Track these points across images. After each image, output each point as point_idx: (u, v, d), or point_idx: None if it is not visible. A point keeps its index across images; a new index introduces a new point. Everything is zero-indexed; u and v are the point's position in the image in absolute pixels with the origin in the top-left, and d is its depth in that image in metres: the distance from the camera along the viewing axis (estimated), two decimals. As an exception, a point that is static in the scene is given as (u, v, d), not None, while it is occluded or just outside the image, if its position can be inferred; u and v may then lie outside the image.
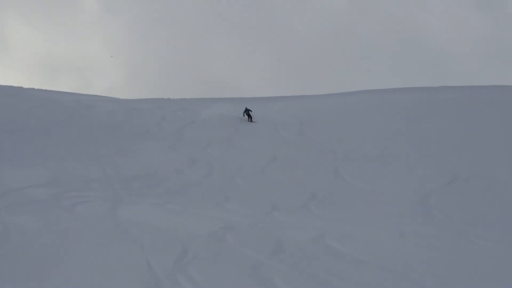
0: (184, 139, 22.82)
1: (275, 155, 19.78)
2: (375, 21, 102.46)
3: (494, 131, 21.61)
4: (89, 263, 8.73)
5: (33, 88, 33.77)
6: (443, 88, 31.86)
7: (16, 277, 8.20)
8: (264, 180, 16.60)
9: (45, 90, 34.26)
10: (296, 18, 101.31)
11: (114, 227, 10.83)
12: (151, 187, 15.22)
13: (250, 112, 26.97)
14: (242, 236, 10.46)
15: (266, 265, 8.86)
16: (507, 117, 23.40)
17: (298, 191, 15.03)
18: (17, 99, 28.00)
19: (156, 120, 26.43)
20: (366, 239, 10.54)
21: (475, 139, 20.68)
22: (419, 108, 26.73)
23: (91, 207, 12.38)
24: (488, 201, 13.71)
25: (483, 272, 8.82)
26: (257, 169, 17.88)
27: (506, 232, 11.23)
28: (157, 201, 13.42)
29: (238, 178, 16.63)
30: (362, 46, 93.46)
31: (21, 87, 32.87)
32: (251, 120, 26.55)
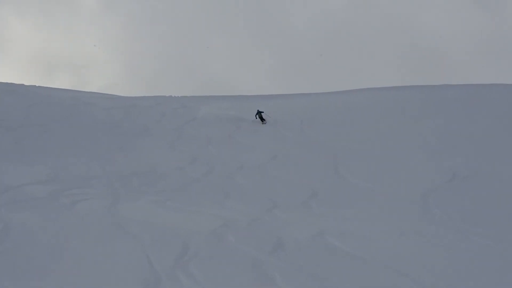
0: (184, 137, 22.79)
1: (276, 153, 19.76)
2: (376, 18, 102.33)
3: (494, 129, 21.59)
4: (89, 260, 8.74)
5: (34, 85, 33.73)
6: (444, 86, 31.75)
7: (15, 274, 8.21)
8: (265, 178, 16.59)
9: (46, 87, 34.22)
10: (296, 15, 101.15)
11: (114, 225, 10.83)
12: (151, 185, 15.20)
13: (262, 113, 25.60)
14: (242, 234, 10.47)
15: (266, 263, 8.87)
16: (507, 116, 23.34)
17: (298, 189, 15.02)
18: (18, 96, 27.98)
19: (156, 118, 26.37)
20: (366, 237, 10.55)
21: (475, 137, 20.65)
22: (420, 106, 26.66)
23: (90, 205, 12.38)
24: (488, 200, 13.69)
25: (483, 270, 8.83)
26: (258, 167, 17.85)
27: (506, 230, 11.22)
28: (157, 199, 13.40)
29: (238, 176, 16.61)
30: (363, 44, 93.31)
31: (23, 84, 32.85)
32: (264, 122, 25.27)
